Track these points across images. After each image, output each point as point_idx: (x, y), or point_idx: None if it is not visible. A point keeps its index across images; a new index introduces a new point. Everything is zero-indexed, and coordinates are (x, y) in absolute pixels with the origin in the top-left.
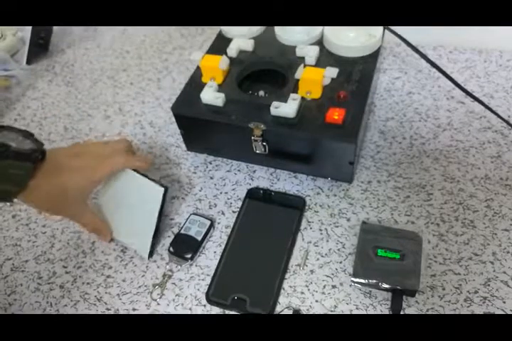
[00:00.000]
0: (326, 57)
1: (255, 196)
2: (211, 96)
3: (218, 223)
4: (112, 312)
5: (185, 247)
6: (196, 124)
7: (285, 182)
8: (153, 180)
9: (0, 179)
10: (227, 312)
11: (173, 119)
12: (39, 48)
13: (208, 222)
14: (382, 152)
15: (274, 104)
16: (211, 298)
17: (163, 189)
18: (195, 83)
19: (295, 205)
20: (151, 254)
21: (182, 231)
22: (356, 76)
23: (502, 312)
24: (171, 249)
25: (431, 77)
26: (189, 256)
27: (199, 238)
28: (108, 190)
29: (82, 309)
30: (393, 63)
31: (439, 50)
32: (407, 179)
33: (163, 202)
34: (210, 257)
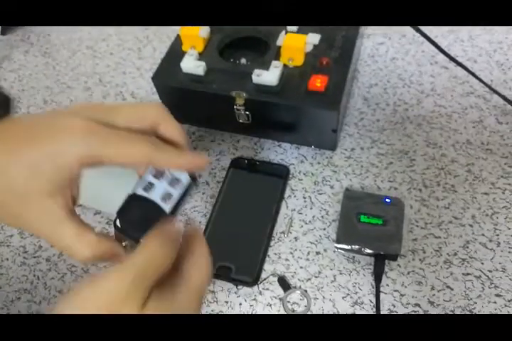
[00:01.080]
0: None
1: (239, 166)
2: (191, 64)
3: (203, 193)
4: None
5: (141, 222)
6: (177, 94)
7: (269, 151)
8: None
9: None
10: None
11: (155, 90)
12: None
13: (187, 179)
14: (366, 119)
15: (256, 71)
16: None
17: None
18: (176, 52)
19: (279, 174)
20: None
21: (139, 192)
22: (339, 42)
23: (480, 273)
24: (118, 222)
25: (415, 41)
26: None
27: (166, 207)
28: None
29: (70, 281)
30: (377, 28)
31: None
32: (390, 145)
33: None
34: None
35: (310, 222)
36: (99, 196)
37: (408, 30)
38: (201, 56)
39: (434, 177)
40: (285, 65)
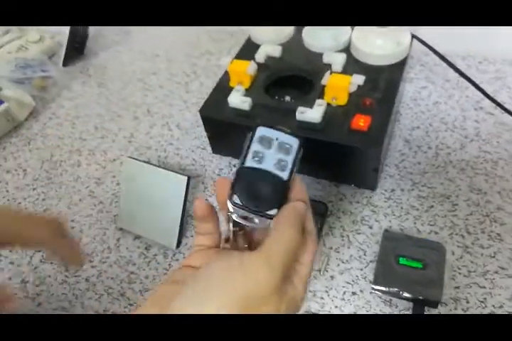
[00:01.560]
0: (353, 64)
1: None
2: (238, 100)
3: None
4: (134, 307)
5: (264, 195)
6: (222, 127)
7: (308, 187)
8: (174, 171)
9: None
10: None
11: (200, 122)
12: (75, 51)
13: (295, 141)
14: (407, 160)
15: (300, 109)
16: None
17: (186, 177)
18: (223, 87)
19: (317, 211)
20: (178, 245)
21: (248, 164)
22: (382, 84)
23: None
24: (236, 198)
25: (459, 87)
26: (273, 212)
27: (284, 175)
28: (128, 187)
29: (106, 303)
30: (420, 72)
31: (468, 60)
32: (432, 188)
33: (186, 190)
34: None
35: (347, 261)
36: (139, 221)
37: (452, 75)
38: (247, 92)
39: (479, 223)
40: (329, 104)
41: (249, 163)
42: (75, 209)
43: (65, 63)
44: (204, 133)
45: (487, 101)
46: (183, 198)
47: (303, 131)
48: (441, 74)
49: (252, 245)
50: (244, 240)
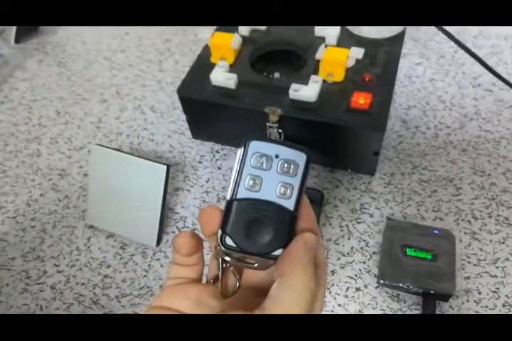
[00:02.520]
0: (347, 37)
1: None
2: (222, 77)
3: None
4: None
5: (268, 232)
6: (204, 109)
7: None
8: (150, 160)
9: None
10: None
11: (177, 104)
12: (28, 26)
13: (303, 157)
14: (405, 142)
15: (294, 86)
16: None
17: (164, 167)
18: (203, 64)
19: (312, 199)
20: (158, 242)
21: (240, 195)
22: (381, 58)
23: None
24: (228, 239)
25: (455, 62)
26: (278, 253)
27: (290, 205)
28: (98, 178)
29: (77, 313)
30: (414, 48)
31: (462, 35)
32: (433, 172)
33: (166, 181)
34: None
35: (348, 253)
36: (112, 217)
37: (447, 50)
38: (232, 68)
39: (485, 208)
40: (324, 81)
41: (243, 192)
42: (36, 205)
43: (18, 39)
44: (182, 116)
45: (484, 77)
46: (162, 190)
47: (297, 111)
48: (435, 50)
49: (242, 281)
50: (235, 278)
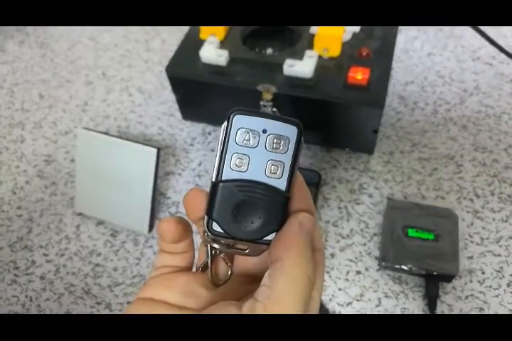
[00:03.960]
0: None
1: None
2: (212, 53)
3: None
4: (102, 306)
5: (258, 215)
6: (194, 88)
7: None
8: (140, 143)
9: None
10: None
11: (166, 84)
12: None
13: (294, 133)
14: (404, 119)
15: (288, 62)
16: None
17: (155, 150)
18: (192, 40)
19: (309, 180)
20: (150, 228)
21: (225, 176)
22: (378, 31)
23: None
24: (217, 226)
25: (453, 35)
26: (271, 236)
27: (281, 185)
28: (85, 164)
29: (68, 303)
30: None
31: None
32: (433, 149)
33: (156, 165)
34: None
35: (348, 236)
36: (102, 203)
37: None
38: (222, 44)
39: (487, 185)
40: (319, 56)
41: (229, 173)
42: (21, 193)
43: None
44: (171, 97)
45: (484, 50)
46: (152, 174)
47: (292, 88)
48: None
49: (234, 267)
50: (226, 266)
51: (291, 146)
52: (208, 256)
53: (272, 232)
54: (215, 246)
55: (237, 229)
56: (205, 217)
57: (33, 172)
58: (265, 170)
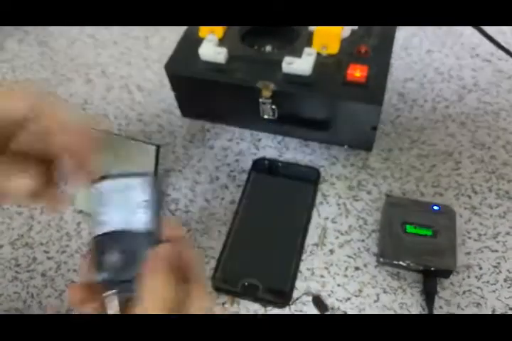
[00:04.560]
0: None
1: (262, 168)
2: (211, 51)
3: (222, 198)
4: None
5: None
6: (194, 85)
7: (295, 151)
8: (139, 140)
9: None
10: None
11: (165, 82)
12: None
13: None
14: (403, 116)
15: (287, 59)
16: (218, 284)
17: (154, 147)
18: (191, 38)
19: (308, 177)
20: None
21: (98, 232)
22: (377, 29)
23: None
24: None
25: (452, 33)
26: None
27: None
28: None
29: (68, 300)
30: None
31: None
32: (432, 146)
33: (156, 162)
34: (214, 237)
35: (346, 232)
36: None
37: None
38: (221, 42)
39: (485, 182)
40: (318, 54)
41: (97, 230)
42: None
43: None
44: (171, 95)
45: (483, 47)
46: (152, 171)
47: (290, 85)
48: None
49: None
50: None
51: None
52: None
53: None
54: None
55: (119, 272)
56: (93, 272)
57: None
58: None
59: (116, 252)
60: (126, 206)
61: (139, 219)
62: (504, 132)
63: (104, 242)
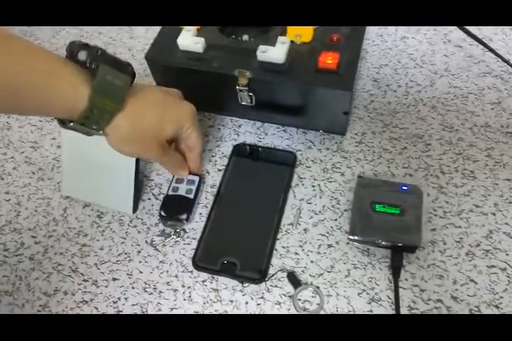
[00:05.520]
0: None
1: (242, 152)
2: (189, 41)
3: (203, 183)
4: (89, 283)
5: (178, 208)
6: (173, 74)
7: (273, 136)
8: None
9: (97, 89)
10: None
11: (148, 71)
12: None
13: (197, 178)
14: (376, 101)
15: (261, 48)
16: (198, 263)
17: None
18: (171, 28)
19: (285, 161)
20: (135, 209)
21: (170, 193)
22: None
23: (505, 265)
24: (162, 212)
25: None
26: (184, 217)
27: (191, 196)
28: (70, 149)
29: (56, 282)
30: None
31: None
32: (404, 129)
33: None
34: (195, 219)
35: (320, 212)
36: (87, 186)
37: None
38: (199, 32)
39: (452, 162)
40: (292, 42)
41: (170, 192)
42: (9, 179)
43: None
44: (154, 83)
45: (455, 33)
46: (134, 159)
47: (265, 73)
48: None
49: None
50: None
51: (196, 183)
52: None
53: None
54: None
55: (171, 213)
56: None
57: (20, 159)
58: (184, 192)
59: (175, 204)
60: (186, 186)
61: (191, 194)
62: (472, 115)
63: (171, 198)
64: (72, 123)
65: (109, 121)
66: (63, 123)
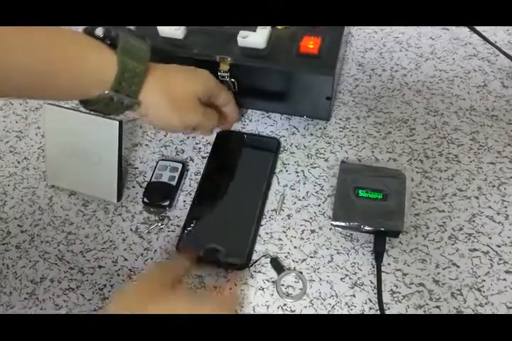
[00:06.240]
0: None
1: (226, 140)
2: (169, 27)
3: (187, 170)
4: (75, 271)
5: (161, 195)
6: (155, 60)
7: (257, 123)
8: (104, 117)
9: (124, 52)
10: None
11: None
12: None
13: (180, 165)
14: (361, 86)
15: (242, 33)
16: (182, 250)
17: (117, 122)
18: None
19: (269, 147)
20: (119, 197)
21: (153, 179)
22: None
23: (488, 249)
24: (145, 199)
25: None
26: (166, 203)
27: (173, 183)
28: (54, 138)
29: (43, 269)
30: None
31: None
32: (388, 114)
33: (120, 137)
34: (179, 207)
35: (304, 198)
36: (72, 175)
37: None
38: None
39: (436, 146)
40: (274, 27)
41: (153, 179)
42: None
43: None
44: None
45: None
46: (117, 145)
47: (246, 58)
48: None
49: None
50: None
51: (179, 171)
52: None
53: None
54: None
55: (153, 199)
56: None
57: (4, 149)
58: (167, 178)
59: (158, 190)
60: (169, 174)
61: (173, 181)
62: (457, 98)
63: (154, 184)
64: (106, 92)
65: (140, 85)
66: (86, 103)
